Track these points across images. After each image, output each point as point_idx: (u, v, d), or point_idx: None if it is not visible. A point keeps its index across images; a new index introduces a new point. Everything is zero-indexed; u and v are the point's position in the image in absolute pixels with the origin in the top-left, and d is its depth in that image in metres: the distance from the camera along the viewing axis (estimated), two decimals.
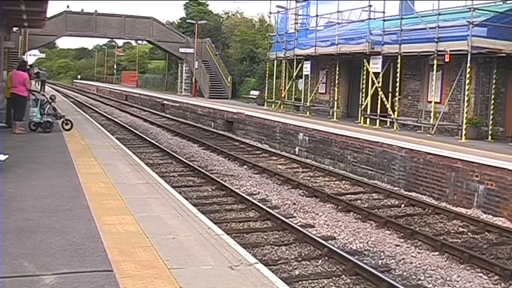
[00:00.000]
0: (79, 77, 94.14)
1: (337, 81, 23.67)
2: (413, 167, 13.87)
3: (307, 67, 25.49)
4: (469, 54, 16.62)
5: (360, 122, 21.59)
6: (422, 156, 13.68)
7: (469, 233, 10.11)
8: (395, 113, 20.09)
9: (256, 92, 34.75)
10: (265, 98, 30.37)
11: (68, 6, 45.53)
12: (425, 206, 11.85)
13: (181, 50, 43.29)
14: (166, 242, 5.69)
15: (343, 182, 14.54)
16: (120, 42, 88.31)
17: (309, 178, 14.99)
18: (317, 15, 25.39)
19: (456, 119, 18.33)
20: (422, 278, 7.70)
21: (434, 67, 18.02)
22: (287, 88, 28.48)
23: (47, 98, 15.73)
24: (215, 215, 10.24)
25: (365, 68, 21.38)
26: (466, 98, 17.38)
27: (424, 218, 11.09)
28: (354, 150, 16.32)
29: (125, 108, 39.77)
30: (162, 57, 63.69)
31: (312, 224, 10.19)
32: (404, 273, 7.84)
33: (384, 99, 20.24)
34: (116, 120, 29.20)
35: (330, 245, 8.47)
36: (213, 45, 44.40)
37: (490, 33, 16.90)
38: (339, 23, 23.55)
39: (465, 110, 17.33)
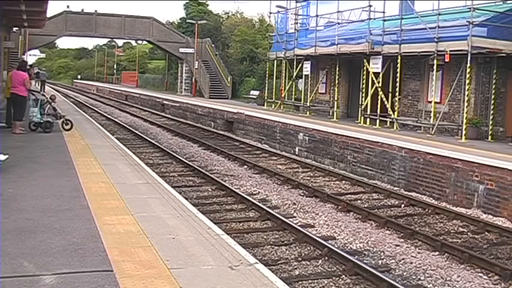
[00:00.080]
0: (79, 77, 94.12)
1: (337, 81, 23.67)
2: (413, 167, 13.87)
3: (307, 67, 25.49)
4: (469, 54, 16.63)
5: (360, 122, 21.58)
6: (422, 156, 13.68)
7: (469, 233, 10.11)
8: (395, 113, 20.09)
9: (256, 92, 34.73)
10: (265, 98, 30.36)
11: (68, 6, 45.66)
12: (425, 206, 11.85)
13: (181, 50, 43.28)
14: (166, 242, 5.69)
15: (343, 182, 14.54)
16: (120, 42, 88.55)
17: (309, 178, 14.99)
18: (317, 15, 25.39)
19: (456, 119, 18.33)
20: (422, 278, 7.69)
21: (434, 67, 18.02)
22: (287, 88, 28.47)
23: (47, 98, 15.73)
24: (215, 215, 10.24)
25: (365, 68, 21.38)
26: (466, 98, 17.38)
27: (424, 218, 11.09)
28: (354, 150, 16.32)
29: (125, 108, 39.76)
30: (162, 57, 63.69)
31: (312, 224, 10.19)
32: (404, 273, 7.84)
33: (384, 99, 20.24)
34: (116, 120, 29.19)
35: (330, 245, 8.47)
36: (213, 45, 44.38)
37: (490, 33, 16.90)
38: (339, 23, 23.55)
39: (465, 110, 17.33)
